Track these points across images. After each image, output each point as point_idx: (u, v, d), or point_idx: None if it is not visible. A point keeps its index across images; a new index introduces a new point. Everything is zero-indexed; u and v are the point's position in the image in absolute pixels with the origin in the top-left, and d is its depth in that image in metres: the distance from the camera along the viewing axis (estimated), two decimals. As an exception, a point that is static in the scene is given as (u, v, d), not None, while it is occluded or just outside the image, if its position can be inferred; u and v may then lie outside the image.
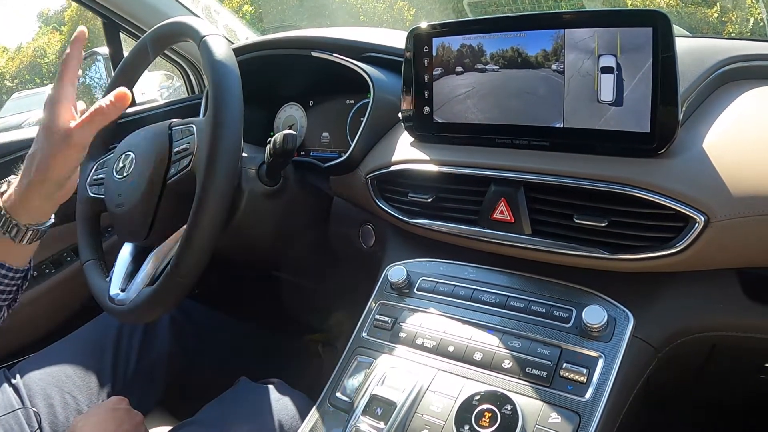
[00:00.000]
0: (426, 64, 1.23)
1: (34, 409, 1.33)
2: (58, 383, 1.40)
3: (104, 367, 1.48)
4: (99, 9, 1.99)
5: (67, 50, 1.10)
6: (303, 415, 1.26)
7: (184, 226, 1.18)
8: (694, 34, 1.96)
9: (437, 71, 1.21)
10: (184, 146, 1.27)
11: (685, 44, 1.15)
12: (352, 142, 1.42)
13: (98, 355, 1.51)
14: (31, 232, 1.12)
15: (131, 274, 1.38)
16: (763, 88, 1.14)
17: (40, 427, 1.31)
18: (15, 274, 1.18)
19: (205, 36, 1.23)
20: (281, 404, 1.30)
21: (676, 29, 0.95)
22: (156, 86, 3.20)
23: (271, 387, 1.35)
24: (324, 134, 1.75)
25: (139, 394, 1.46)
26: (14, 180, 1.12)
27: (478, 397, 0.97)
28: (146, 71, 1.50)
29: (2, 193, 1.12)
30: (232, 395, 1.36)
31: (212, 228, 1.16)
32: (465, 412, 0.96)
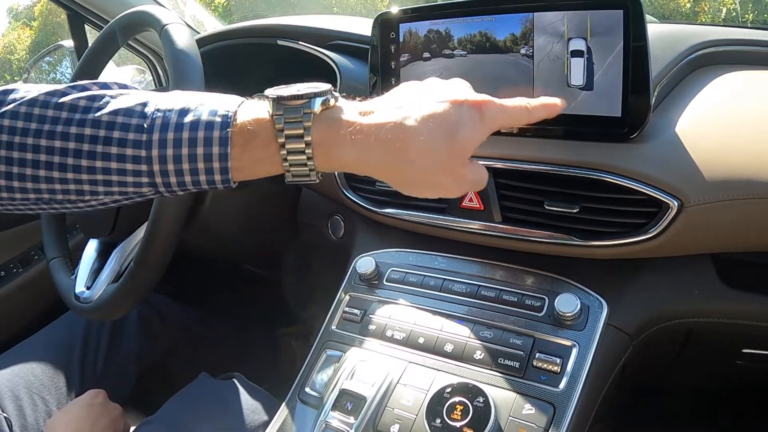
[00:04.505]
0: (393, 50, 1.20)
1: (5, 415, 1.30)
2: (26, 384, 1.38)
3: (72, 366, 1.47)
4: (63, 1, 1.95)
5: None
6: (263, 409, 1.26)
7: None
8: (666, 21, 1.96)
9: (404, 57, 1.19)
10: None
11: (657, 29, 1.14)
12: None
13: (66, 353, 1.49)
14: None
15: (97, 271, 1.37)
16: (735, 73, 1.13)
17: None
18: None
19: (166, 25, 1.21)
20: (241, 399, 1.29)
21: (646, 17, 0.94)
22: (128, 81, 3.16)
23: (230, 382, 1.34)
24: (292, 124, 1.73)
25: (108, 391, 1.44)
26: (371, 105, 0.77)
27: (449, 390, 0.95)
28: (117, 66, 1.47)
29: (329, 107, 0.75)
30: (192, 391, 1.35)
31: (173, 222, 1.14)
32: (436, 405, 0.94)
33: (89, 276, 1.37)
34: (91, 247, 1.44)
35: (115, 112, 0.71)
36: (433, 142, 0.72)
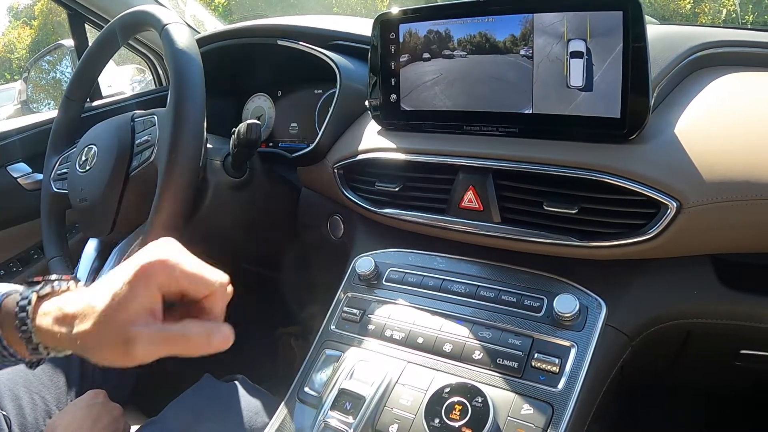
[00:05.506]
0: (393, 50, 1.20)
1: (4, 413, 1.30)
2: (25, 383, 1.37)
3: (72, 365, 1.46)
4: (64, 0, 1.95)
5: None
6: (266, 411, 1.25)
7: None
8: (666, 22, 1.95)
9: (404, 58, 1.19)
10: (145, 138, 1.25)
11: (656, 30, 1.14)
12: (320, 131, 1.39)
13: None
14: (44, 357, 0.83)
15: (96, 270, 1.37)
16: (735, 75, 1.13)
17: (10, 431, 1.28)
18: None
19: (166, 24, 1.21)
20: (243, 402, 1.29)
21: (646, 18, 0.94)
22: (128, 80, 3.16)
23: (233, 384, 1.34)
24: (293, 124, 1.73)
25: (108, 391, 1.44)
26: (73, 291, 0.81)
27: (448, 390, 0.95)
28: (117, 66, 1.48)
29: (44, 296, 0.79)
30: (195, 393, 1.34)
31: (174, 221, 1.13)
32: (435, 405, 0.94)
33: (89, 275, 1.37)
34: (91, 247, 1.44)
35: None
36: (99, 300, 0.71)
